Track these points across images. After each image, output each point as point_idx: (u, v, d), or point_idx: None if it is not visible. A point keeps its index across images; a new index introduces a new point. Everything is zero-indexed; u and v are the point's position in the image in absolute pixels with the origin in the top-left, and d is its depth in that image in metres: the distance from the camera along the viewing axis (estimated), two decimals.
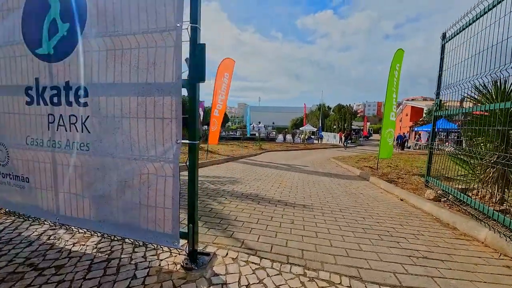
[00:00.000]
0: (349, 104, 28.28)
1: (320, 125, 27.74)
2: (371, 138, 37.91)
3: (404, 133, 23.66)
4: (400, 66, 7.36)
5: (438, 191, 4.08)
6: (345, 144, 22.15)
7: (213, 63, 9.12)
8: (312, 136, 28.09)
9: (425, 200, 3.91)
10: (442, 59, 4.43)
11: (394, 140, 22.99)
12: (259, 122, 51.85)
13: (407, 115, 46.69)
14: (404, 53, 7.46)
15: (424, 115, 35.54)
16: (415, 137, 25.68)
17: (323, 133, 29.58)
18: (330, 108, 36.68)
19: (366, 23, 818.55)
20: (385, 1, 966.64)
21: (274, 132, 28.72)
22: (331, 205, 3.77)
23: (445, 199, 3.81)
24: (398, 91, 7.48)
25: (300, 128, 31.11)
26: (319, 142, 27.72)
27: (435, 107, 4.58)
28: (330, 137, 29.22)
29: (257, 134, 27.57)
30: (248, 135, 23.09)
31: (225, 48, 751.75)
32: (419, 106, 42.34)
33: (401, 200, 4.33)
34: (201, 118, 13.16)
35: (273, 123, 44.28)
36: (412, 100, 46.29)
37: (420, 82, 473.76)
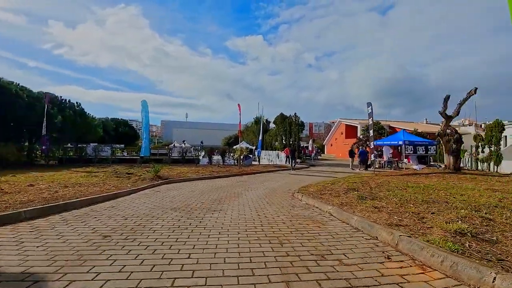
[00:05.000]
0: (295, 113, 22.14)
1: (260, 139, 20.39)
2: (319, 157, 32.39)
3: (364, 148, 18.51)
4: None
5: None
6: (292, 163, 15.98)
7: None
8: (251, 155, 20.36)
9: None
10: None
11: (358, 156, 17.26)
12: (184, 141, 41.49)
13: (342, 133, 46.11)
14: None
15: (360, 131, 33.99)
16: (371, 154, 21.17)
17: (262, 152, 22.22)
18: (269, 122, 30.23)
19: (291, 52, 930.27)
20: (305, 36, 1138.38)
21: (193, 151, 19.50)
22: None
23: None
24: None
25: (234, 147, 23.16)
26: (258, 163, 20.23)
27: None
28: (272, 156, 22.16)
29: (171, 154, 18.06)
30: (143, 155, 13.14)
31: (145, 58, 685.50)
32: (353, 124, 41.94)
33: None
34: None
35: (202, 142, 35.11)
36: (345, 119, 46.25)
37: (337, 108, 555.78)
